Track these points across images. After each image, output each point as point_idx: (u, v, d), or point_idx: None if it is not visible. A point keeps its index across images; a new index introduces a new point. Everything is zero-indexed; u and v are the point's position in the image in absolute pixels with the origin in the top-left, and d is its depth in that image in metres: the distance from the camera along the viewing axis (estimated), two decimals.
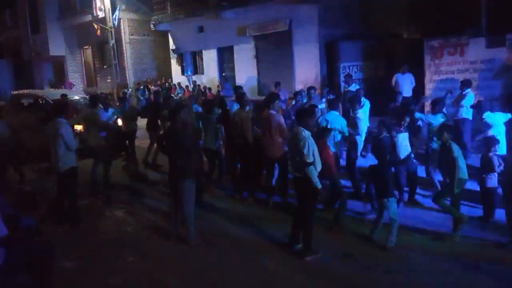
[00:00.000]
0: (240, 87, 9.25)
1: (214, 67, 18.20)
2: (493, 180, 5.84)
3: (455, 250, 5.13)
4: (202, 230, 5.83)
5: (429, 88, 10.37)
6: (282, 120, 6.67)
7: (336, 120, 6.73)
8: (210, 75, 18.38)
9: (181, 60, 19.75)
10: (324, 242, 5.36)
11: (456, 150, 5.29)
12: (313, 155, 5.00)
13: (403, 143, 6.29)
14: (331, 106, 7.08)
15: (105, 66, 22.61)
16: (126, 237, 6.09)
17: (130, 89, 19.97)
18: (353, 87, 10.52)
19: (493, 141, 5.97)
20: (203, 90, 17.19)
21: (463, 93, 8.40)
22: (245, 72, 16.54)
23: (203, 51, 18.60)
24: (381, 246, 5.26)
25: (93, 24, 19.59)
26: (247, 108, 7.34)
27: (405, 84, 10.64)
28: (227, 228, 6.15)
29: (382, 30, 13.77)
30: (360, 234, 5.65)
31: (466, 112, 8.36)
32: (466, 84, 8.47)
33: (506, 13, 9.79)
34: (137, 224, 6.55)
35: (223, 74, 17.83)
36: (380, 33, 13.62)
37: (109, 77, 21.43)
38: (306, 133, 5.02)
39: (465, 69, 9.84)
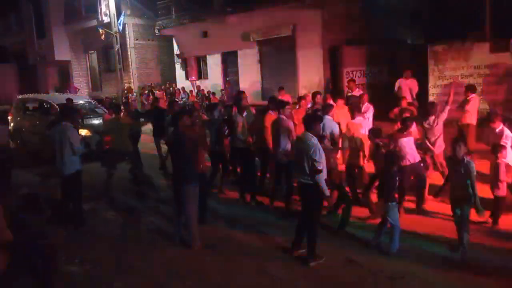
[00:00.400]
0: (242, 92, 9.26)
1: (218, 72, 18.28)
2: (501, 190, 5.82)
3: (458, 255, 5.11)
4: (205, 233, 5.84)
5: (432, 93, 10.36)
6: (291, 125, 6.73)
7: (327, 125, 6.92)
8: (214, 79, 18.44)
9: (185, 65, 19.85)
10: (327, 248, 5.36)
11: (474, 169, 5.18)
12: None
13: (408, 148, 6.30)
14: (325, 111, 7.31)
15: (110, 71, 22.73)
16: (130, 240, 6.11)
17: (135, 94, 20.07)
18: (357, 92, 10.52)
19: (501, 147, 5.96)
20: (207, 94, 17.25)
21: (468, 98, 8.39)
22: (249, 77, 16.60)
23: (207, 56, 18.69)
24: (384, 252, 5.25)
25: (98, 29, 19.73)
26: (245, 113, 7.42)
27: (408, 89, 10.62)
28: (230, 232, 6.16)
29: (385, 35, 13.79)
30: (364, 240, 5.65)
31: (471, 117, 8.35)
32: (470, 89, 8.46)
33: (510, 18, 9.79)
34: (141, 227, 6.57)
35: (227, 78, 17.89)
36: (383, 38, 13.64)
37: (114, 82, 21.54)
38: (315, 140, 5.04)
39: (469, 74, 9.83)
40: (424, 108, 7.76)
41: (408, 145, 6.32)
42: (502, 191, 5.82)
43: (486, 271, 4.78)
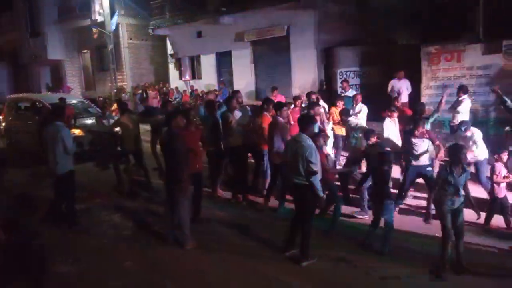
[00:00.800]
0: (237, 92, 9.24)
1: (212, 72, 18.25)
2: (499, 190, 5.84)
3: (452, 255, 5.13)
4: (198, 233, 5.83)
5: (425, 94, 10.41)
6: (287, 127, 6.76)
7: None
8: (208, 79, 18.41)
9: (179, 65, 19.81)
10: (320, 248, 5.37)
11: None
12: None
13: (416, 148, 6.36)
14: (310, 107, 7.38)
15: (104, 71, 22.62)
16: (123, 241, 6.08)
17: (128, 94, 19.98)
18: (350, 93, 10.56)
19: (502, 149, 5.99)
20: (200, 94, 17.20)
21: (460, 99, 8.45)
22: (243, 77, 16.58)
23: (201, 56, 18.66)
24: (377, 251, 5.27)
25: (92, 28, 19.63)
26: (237, 112, 7.45)
27: (401, 89, 10.67)
28: (223, 232, 6.17)
29: (379, 36, 13.84)
30: (356, 240, 5.66)
31: (463, 118, 8.38)
32: (462, 90, 8.52)
33: (503, 20, 9.85)
34: (135, 227, 6.55)
35: (221, 79, 17.88)
36: (377, 39, 13.68)
37: (107, 81, 21.45)
38: (310, 141, 5.06)
39: (461, 75, 9.88)
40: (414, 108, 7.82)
41: (417, 145, 6.36)
42: (500, 191, 5.85)
43: (480, 271, 4.81)
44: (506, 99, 7.32)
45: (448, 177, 4.83)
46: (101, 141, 9.75)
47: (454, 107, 8.51)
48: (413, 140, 6.35)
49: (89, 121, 11.10)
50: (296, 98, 9.19)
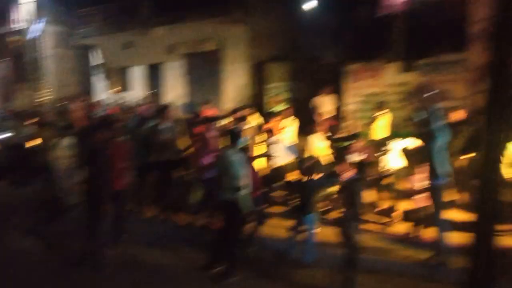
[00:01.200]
0: (166, 106, 9.06)
1: (142, 84, 17.84)
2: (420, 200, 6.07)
3: (375, 265, 5.32)
4: (119, 254, 5.58)
5: (347, 110, 10.92)
6: (216, 141, 6.72)
7: None
8: (137, 92, 17.95)
9: (107, 76, 19.14)
10: (243, 263, 5.34)
11: None
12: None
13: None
14: (239, 123, 7.46)
15: (23, 81, 21.24)
16: (34, 264, 5.66)
17: (48, 106, 18.86)
18: (280, 107, 10.77)
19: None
20: (129, 107, 16.68)
21: (378, 114, 8.93)
22: (174, 90, 16.38)
23: (131, 68, 18.18)
24: (299, 264, 5.34)
25: (11, 36, 18.45)
26: (167, 126, 7.32)
27: (326, 105, 11.09)
28: (146, 252, 5.94)
29: (307, 53, 14.31)
30: (280, 253, 5.70)
31: (382, 133, 8.87)
32: (380, 106, 9.04)
33: (419, 41, 10.65)
34: (49, 250, 6.13)
35: (152, 91, 17.52)
36: (305, 56, 14.15)
37: (27, 93, 20.16)
38: (238, 156, 5.07)
39: (381, 91, 10.49)
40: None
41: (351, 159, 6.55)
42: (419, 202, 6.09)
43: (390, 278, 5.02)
44: (422, 112, 7.86)
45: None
46: (17, 157, 9.13)
47: (372, 123, 8.98)
48: (348, 155, 6.57)
49: (4, 135, 10.32)
50: (235, 111, 9.21)
